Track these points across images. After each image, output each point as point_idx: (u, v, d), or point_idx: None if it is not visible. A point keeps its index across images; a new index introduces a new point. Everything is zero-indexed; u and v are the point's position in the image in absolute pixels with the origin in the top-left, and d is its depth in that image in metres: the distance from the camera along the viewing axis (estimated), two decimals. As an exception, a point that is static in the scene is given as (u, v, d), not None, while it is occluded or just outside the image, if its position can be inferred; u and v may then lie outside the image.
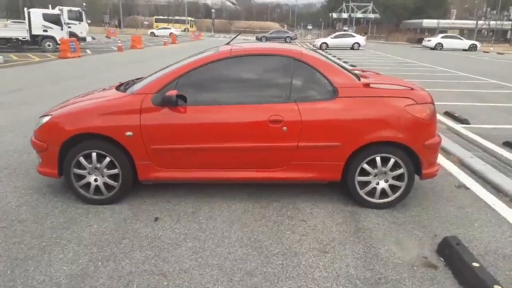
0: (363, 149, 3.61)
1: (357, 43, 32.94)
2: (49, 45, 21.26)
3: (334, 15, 69.35)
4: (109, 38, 39.01)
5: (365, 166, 3.66)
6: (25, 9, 21.87)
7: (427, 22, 62.70)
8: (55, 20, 21.88)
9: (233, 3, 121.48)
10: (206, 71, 3.68)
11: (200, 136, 3.59)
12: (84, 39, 25.21)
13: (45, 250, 2.96)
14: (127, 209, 3.65)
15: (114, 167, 3.65)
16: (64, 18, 24.12)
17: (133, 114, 3.54)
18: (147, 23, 66.33)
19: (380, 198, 3.75)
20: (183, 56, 4.42)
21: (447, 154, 5.31)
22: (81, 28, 25.10)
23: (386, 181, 3.71)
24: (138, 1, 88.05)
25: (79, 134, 3.57)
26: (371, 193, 3.74)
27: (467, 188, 4.26)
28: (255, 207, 3.75)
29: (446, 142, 5.57)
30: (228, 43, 4.27)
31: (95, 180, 3.68)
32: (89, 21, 26.25)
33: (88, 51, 22.79)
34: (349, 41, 33.02)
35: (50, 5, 26.02)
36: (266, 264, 2.84)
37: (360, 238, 3.23)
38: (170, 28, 52.82)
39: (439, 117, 6.88)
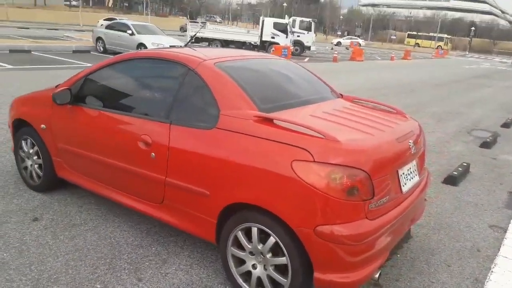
0: (236, 209, 2.45)
1: None
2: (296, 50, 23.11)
3: None
4: (348, 49, 39.86)
5: (240, 235, 2.46)
6: (260, 17, 24.71)
7: None
8: (283, 28, 23.91)
9: (510, 21, 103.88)
10: (111, 71, 3.23)
11: (86, 142, 3.21)
12: (308, 48, 26.59)
13: None
14: (37, 200, 3.61)
15: (39, 157, 3.68)
16: (295, 27, 26.09)
17: (47, 108, 3.46)
18: (394, 37, 64.47)
19: (257, 289, 2.47)
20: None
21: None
22: (308, 38, 26.52)
23: (263, 267, 2.41)
24: (395, 16, 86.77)
25: (17, 119, 3.75)
26: (247, 276, 2.51)
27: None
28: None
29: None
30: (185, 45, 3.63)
31: (31, 165, 3.80)
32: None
33: (306, 59, 23.90)
34: None
35: (286, 15, 28.56)
36: None
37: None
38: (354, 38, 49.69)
39: None
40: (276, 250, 2.32)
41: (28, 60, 12.74)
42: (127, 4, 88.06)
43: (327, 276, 2.19)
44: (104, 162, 3.08)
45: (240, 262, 2.51)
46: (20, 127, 3.78)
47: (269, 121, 2.42)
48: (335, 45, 41.30)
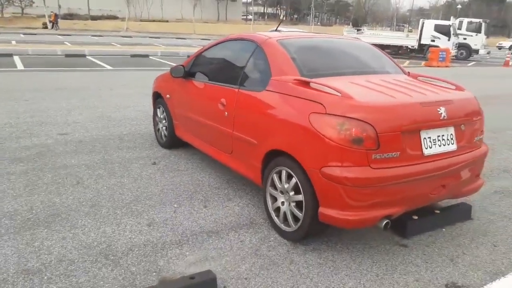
0: (272, 155, 3.03)
1: None
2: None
3: None
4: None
5: (274, 177, 3.03)
6: (420, 20, 23.50)
7: None
8: (445, 31, 22.31)
9: None
10: (210, 51, 4.13)
11: (190, 106, 4.18)
12: (476, 51, 24.11)
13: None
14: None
15: (166, 121, 4.84)
16: (461, 29, 23.99)
17: (171, 82, 4.57)
18: None
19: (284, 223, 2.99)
20: None
21: None
22: (477, 40, 24.04)
23: (288, 203, 2.92)
24: None
25: (155, 92, 5.02)
26: (277, 212, 3.06)
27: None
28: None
29: None
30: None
31: (161, 127, 5.01)
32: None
33: (471, 63, 21.79)
34: None
35: (452, 16, 26.32)
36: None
37: None
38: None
39: None
40: (296, 189, 2.80)
41: (132, 63, 14.37)
42: (297, 16, 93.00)
43: (329, 211, 2.58)
44: (201, 122, 3.98)
45: (274, 199, 3.05)
46: (157, 98, 5.03)
47: (304, 83, 2.91)
48: (508, 48, 35.92)
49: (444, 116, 2.74)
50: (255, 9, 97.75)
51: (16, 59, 13.61)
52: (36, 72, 11.17)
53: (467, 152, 2.95)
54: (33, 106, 6.89)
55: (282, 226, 2.96)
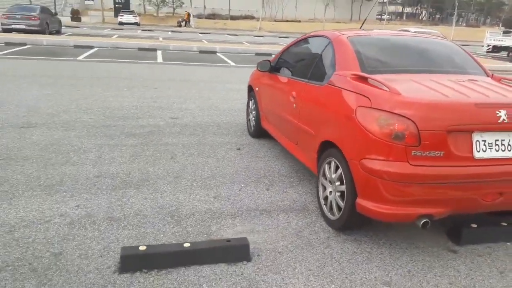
0: (325, 146, 3.22)
1: None
2: None
3: None
4: None
5: (325, 167, 3.22)
6: None
7: None
8: None
9: None
10: (292, 48, 4.42)
11: (271, 98, 4.54)
12: None
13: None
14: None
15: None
16: None
17: (260, 76, 5.01)
18: None
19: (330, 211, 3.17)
20: None
21: None
22: None
23: (335, 193, 3.08)
24: None
25: (248, 85, 5.51)
26: (325, 200, 3.24)
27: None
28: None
29: None
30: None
31: (251, 118, 5.50)
32: None
33: None
34: None
35: None
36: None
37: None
38: None
39: None
40: (341, 180, 2.94)
41: (255, 60, 15.22)
42: (439, 16, 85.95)
43: (365, 202, 2.68)
44: (278, 114, 4.32)
45: (324, 188, 3.23)
46: (250, 91, 5.51)
47: (362, 79, 3.02)
48: None
49: (504, 120, 2.59)
50: (393, 8, 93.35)
51: (159, 53, 15.66)
52: (171, 65, 12.76)
53: None
54: (159, 93, 8.03)
55: (328, 214, 3.13)
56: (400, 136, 2.52)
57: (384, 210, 2.60)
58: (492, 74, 3.45)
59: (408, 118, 2.52)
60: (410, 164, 2.52)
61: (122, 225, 3.00)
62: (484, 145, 2.60)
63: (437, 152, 2.52)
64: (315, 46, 3.95)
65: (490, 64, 18.16)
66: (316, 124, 3.34)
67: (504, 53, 23.24)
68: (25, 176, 3.75)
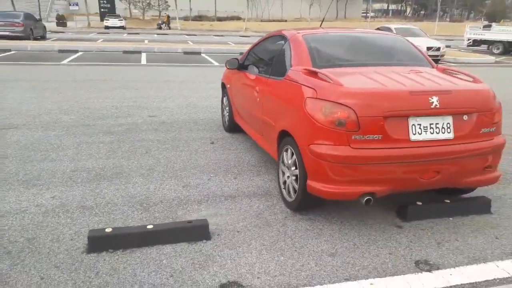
0: (283, 136, 3.47)
1: None
2: None
3: None
4: None
5: (284, 154, 3.47)
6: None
7: None
8: None
9: None
10: (257, 47, 4.69)
11: (239, 94, 4.79)
12: None
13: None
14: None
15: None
16: None
17: (231, 74, 5.26)
18: None
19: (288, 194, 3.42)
20: None
21: None
22: None
23: (291, 178, 3.34)
24: None
25: (222, 82, 5.75)
26: (284, 185, 3.50)
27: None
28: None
29: None
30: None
31: (225, 114, 5.74)
32: None
33: None
34: None
35: None
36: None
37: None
38: None
39: None
40: (295, 165, 3.20)
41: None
42: (424, 13, 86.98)
43: (314, 183, 2.94)
44: (246, 108, 4.57)
45: (283, 174, 3.49)
46: (223, 88, 5.76)
47: (312, 73, 3.28)
48: None
49: (436, 105, 2.86)
50: (378, 6, 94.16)
51: (143, 55, 15.84)
52: (154, 66, 12.95)
53: (470, 143, 2.98)
54: (139, 93, 8.24)
55: (287, 197, 3.39)
56: (342, 122, 2.78)
57: (331, 190, 2.86)
58: (437, 66, 3.73)
59: (349, 107, 2.78)
60: (352, 147, 2.79)
61: (94, 212, 3.22)
62: (420, 128, 2.87)
63: (375, 135, 2.79)
64: (275, 44, 4.20)
65: (471, 57, 18.64)
66: (275, 115, 3.59)
67: (484, 47, 23.76)
68: (4, 173, 3.96)
